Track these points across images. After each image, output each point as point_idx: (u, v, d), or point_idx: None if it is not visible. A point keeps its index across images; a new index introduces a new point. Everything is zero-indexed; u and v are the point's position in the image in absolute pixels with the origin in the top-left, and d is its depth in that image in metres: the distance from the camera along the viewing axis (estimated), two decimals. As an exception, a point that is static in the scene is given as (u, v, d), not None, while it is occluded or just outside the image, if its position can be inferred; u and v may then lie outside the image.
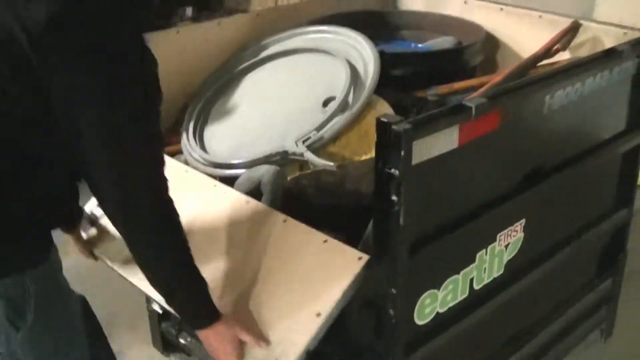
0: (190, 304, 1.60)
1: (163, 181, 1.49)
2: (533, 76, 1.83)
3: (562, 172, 2.02)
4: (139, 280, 1.67)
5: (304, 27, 2.47)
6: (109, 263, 1.94)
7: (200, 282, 1.58)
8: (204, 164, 2.15)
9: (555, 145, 2.01)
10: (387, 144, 1.49)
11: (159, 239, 1.50)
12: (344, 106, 2.07)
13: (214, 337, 1.60)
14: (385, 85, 2.17)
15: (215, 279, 1.75)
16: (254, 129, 2.17)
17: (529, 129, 1.88)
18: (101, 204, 1.51)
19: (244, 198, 1.88)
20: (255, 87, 2.33)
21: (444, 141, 1.58)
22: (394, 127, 1.47)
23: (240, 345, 1.61)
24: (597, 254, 2.48)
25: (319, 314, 1.58)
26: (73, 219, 1.92)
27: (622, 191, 2.41)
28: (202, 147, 2.24)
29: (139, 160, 1.43)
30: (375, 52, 2.18)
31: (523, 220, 1.94)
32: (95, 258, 2.00)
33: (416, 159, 1.52)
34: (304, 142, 1.98)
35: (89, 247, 1.99)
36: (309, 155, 1.93)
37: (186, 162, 2.21)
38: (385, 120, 1.49)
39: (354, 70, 2.16)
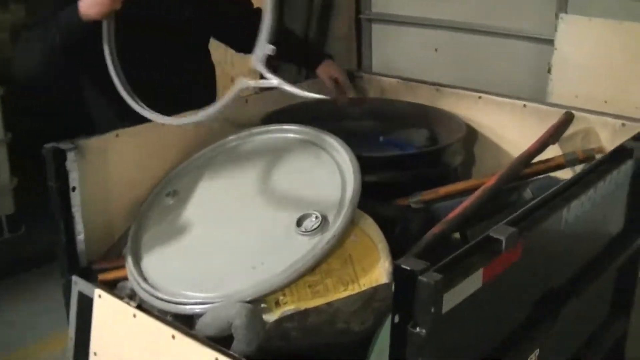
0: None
1: None
2: (552, 192, 1.56)
3: (577, 292, 1.76)
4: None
5: (262, 126, 2.15)
6: None
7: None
8: (156, 298, 1.79)
9: (570, 260, 1.76)
10: (412, 298, 1.18)
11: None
12: (323, 226, 1.75)
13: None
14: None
15: None
16: (215, 254, 1.84)
17: (547, 249, 1.61)
18: None
19: (211, 355, 1.54)
20: (210, 202, 2.00)
21: (470, 283, 1.29)
22: (422, 278, 1.16)
23: None
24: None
25: None
26: None
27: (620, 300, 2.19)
28: (150, 277, 1.87)
29: None
30: (353, 158, 1.88)
31: (537, 350, 1.66)
32: None
33: (444, 311, 1.23)
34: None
35: None
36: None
37: (133, 293, 1.86)
38: (407, 267, 1.19)
39: (330, 182, 1.85)
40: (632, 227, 2.08)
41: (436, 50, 4.36)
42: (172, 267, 1.88)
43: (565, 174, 2.10)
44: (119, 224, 2.08)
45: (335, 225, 1.74)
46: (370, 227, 1.80)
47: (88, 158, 1.95)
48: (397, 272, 1.20)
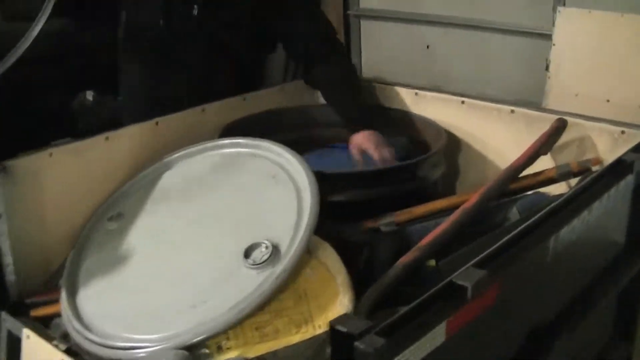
0: None
1: None
2: (536, 219, 1.32)
3: (570, 327, 1.52)
4: None
5: (214, 140, 1.92)
6: None
7: None
8: (89, 341, 1.57)
9: (560, 291, 1.52)
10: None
11: None
12: (274, 257, 1.52)
13: None
14: (321, 215, 1.63)
15: None
16: (155, 289, 1.61)
17: (530, 284, 1.37)
18: None
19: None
20: (154, 227, 1.77)
21: (428, 341, 1.05)
22: (359, 345, 0.92)
23: None
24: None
25: None
26: None
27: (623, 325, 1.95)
28: (82, 314, 1.65)
29: None
30: (312, 178, 1.65)
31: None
32: None
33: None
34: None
35: None
36: None
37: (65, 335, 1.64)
38: (343, 329, 0.95)
39: (285, 205, 1.62)
40: (633, 246, 1.84)
41: (428, 47, 4.10)
42: (110, 303, 1.65)
43: (558, 188, 1.86)
44: (57, 251, 1.85)
45: (287, 257, 1.51)
46: (329, 257, 1.57)
47: (17, 181, 1.73)
48: (332, 335, 0.96)
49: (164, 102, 2.17)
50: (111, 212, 1.86)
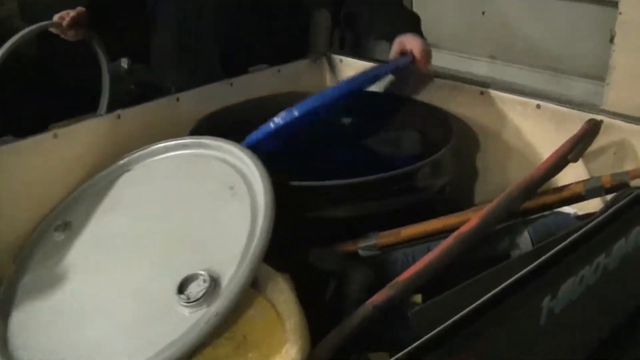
0: None
1: None
2: (523, 274, 0.99)
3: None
4: None
5: (178, 138, 1.64)
6: None
7: None
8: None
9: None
10: None
11: None
12: (212, 293, 1.25)
13: None
14: (289, 235, 1.35)
15: None
16: (86, 320, 1.37)
17: (516, 351, 1.06)
18: None
19: None
20: (100, 242, 1.52)
21: None
22: None
23: None
24: None
25: None
26: None
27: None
28: (13, 341, 1.43)
29: None
30: (269, 193, 1.35)
31: None
32: None
33: None
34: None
35: None
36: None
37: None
38: None
39: (237, 225, 1.34)
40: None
41: (483, 13, 3.74)
42: (40, 331, 1.43)
43: (587, 205, 1.51)
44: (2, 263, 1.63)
45: (225, 295, 1.23)
46: (281, 295, 1.28)
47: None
48: None
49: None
50: (59, 221, 1.62)
